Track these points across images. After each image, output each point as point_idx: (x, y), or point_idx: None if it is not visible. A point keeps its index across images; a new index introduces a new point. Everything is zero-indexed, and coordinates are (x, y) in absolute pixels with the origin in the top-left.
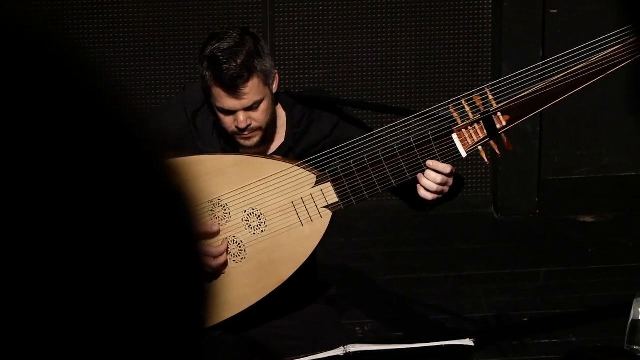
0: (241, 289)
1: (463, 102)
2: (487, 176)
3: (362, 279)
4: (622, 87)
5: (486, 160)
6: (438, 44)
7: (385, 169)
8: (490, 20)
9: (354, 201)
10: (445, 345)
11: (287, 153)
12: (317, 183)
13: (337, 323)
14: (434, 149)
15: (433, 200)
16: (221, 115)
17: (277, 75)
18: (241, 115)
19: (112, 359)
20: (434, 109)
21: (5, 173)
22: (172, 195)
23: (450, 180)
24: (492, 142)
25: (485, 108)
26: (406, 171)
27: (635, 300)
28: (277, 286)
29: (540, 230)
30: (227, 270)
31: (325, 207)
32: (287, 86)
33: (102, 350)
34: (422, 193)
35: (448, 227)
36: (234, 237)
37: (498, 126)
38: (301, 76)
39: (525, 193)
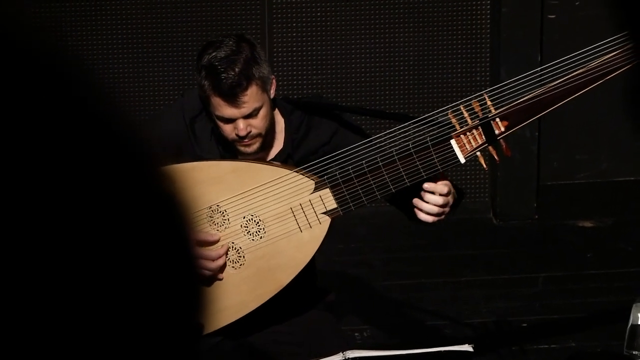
0: (240, 295)
1: (461, 108)
2: (486, 182)
3: (360, 285)
4: (620, 92)
5: (485, 166)
6: (436, 49)
7: (384, 175)
8: (488, 25)
9: (352, 207)
10: (444, 350)
11: (286, 159)
12: (316, 189)
13: (335, 329)
14: (432, 155)
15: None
16: (220, 124)
17: (274, 81)
18: (241, 123)
19: None
20: (433, 115)
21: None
22: (167, 201)
23: (450, 199)
24: (490, 148)
25: (483, 114)
26: (405, 177)
27: (634, 305)
28: (276, 292)
29: (539, 236)
30: (226, 276)
31: (324, 213)
32: (285, 92)
33: (96, 355)
34: (423, 217)
35: (446, 232)
36: (233, 243)
37: (497, 132)
38: (299, 82)
39: (524, 198)
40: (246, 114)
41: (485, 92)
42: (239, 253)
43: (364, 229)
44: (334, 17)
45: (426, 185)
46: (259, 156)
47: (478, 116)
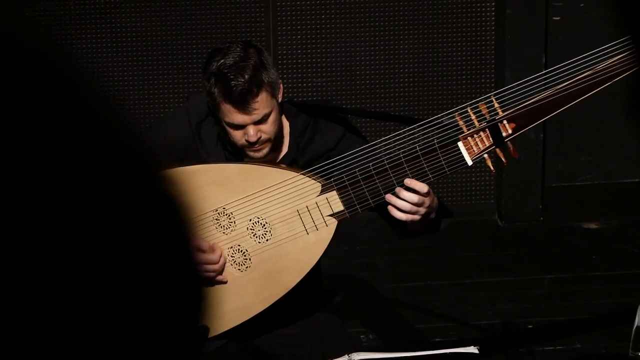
0: (246, 297)
1: (469, 110)
2: (491, 184)
3: (366, 287)
4: (625, 93)
5: (492, 168)
6: (441, 52)
7: (390, 177)
8: (493, 28)
9: (359, 209)
10: (450, 353)
11: (291, 163)
12: (323, 191)
13: (342, 331)
14: (439, 157)
15: (413, 226)
16: (230, 130)
17: (281, 86)
18: (251, 129)
19: None
20: (440, 117)
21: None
22: (167, 204)
23: (427, 201)
24: (498, 150)
25: (491, 116)
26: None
27: (639, 307)
28: (282, 295)
29: (544, 237)
30: (232, 279)
31: (330, 215)
32: (290, 95)
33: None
34: (395, 213)
35: (452, 234)
36: (239, 245)
37: (504, 134)
38: (304, 85)
39: (529, 200)
40: (257, 120)
41: (492, 95)
42: (245, 255)
43: (370, 231)
44: (339, 21)
45: (407, 181)
46: (266, 159)
47: (485, 118)
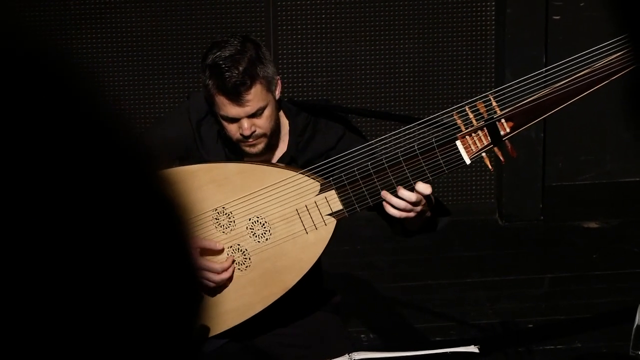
0: (246, 297)
1: (467, 109)
2: (491, 183)
3: (366, 287)
4: (625, 92)
5: (490, 167)
6: (441, 51)
7: (389, 176)
8: (493, 27)
9: (358, 209)
10: (450, 352)
11: (290, 162)
12: (322, 191)
13: (342, 331)
14: (437, 156)
15: (409, 224)
16: (225, 123)
17: (279, 82)
18: (245, 123)
19: None
20: (438, 116)
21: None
22: (166, 205)
23: (423, 199)
24: (496, 149)
25: (489, 115)
26: (410, 178)
27: (639, 306)
28: (282, 294)
29: (545, 237)
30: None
31: (329, 214)
32: (290, 94)
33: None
34: (390, 210)
35: (452, 234)
36: (239, 245)
37: (502, 133)
38: (304, 85)
39: (529, 199)
40: (250, 113)
41: (490, 93)
42: (244, 255)
43: (370, 231)
44: (338, 19)
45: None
46: (264, 158)
47: (483, 117)
